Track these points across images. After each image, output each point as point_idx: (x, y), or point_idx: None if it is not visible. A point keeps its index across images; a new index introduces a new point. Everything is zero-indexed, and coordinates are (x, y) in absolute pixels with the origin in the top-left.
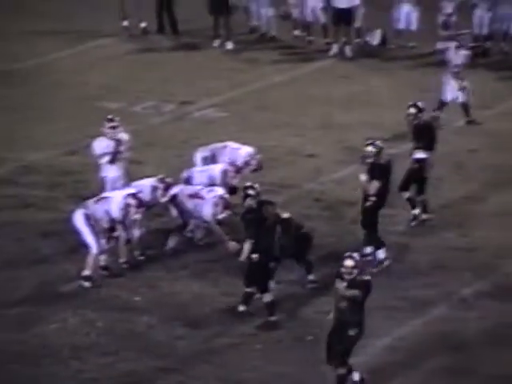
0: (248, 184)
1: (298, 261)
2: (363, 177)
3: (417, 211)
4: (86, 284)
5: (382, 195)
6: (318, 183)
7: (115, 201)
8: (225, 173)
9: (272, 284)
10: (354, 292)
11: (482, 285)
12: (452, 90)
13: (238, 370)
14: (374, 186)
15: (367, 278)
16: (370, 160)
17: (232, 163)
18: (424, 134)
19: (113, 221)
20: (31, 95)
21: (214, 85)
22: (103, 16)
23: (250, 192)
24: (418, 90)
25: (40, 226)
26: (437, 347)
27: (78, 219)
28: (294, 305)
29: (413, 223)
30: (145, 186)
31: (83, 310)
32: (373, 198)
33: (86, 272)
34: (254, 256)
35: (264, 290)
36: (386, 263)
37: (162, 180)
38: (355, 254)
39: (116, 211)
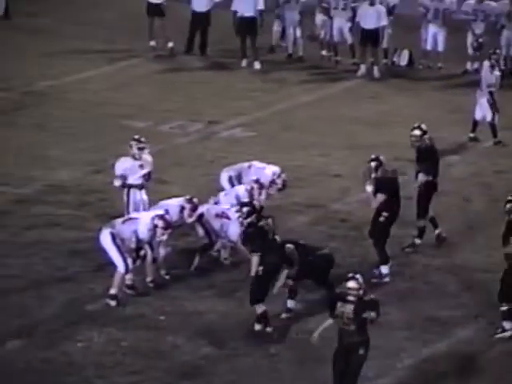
0: (246, 201)
1: (317, 283)
2: (369, 188)
3: (437, 231)
4: (112, 303)
5: (393, 210)
6: (344, 203)
7: (143, 222)
8: (251, 190)
9: (292, 304)
10: (372, 315)
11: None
12: (481, 110)
13: None
14: (379, 199)
15: (373, 297)
16: (374, 175)
17: (255, 181)
18: (426, 158)
19: (140, 241)
20: (60, 114)
21: (241, 105)
22: (131, 37)
23: (247, 210)
24: (446, 110)
25: (67, 244)
26: (462, 369)
27: (105, 238)
28: (316, 325)
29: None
30: (172, 205)
31: (109, 329)
32: (385, 214)
33: (113, 291)
34: (260, 269)
35: (257, 301)
36: (386, 279)
37: (189, 200)
38: (358, 276)
39: (144, 232)
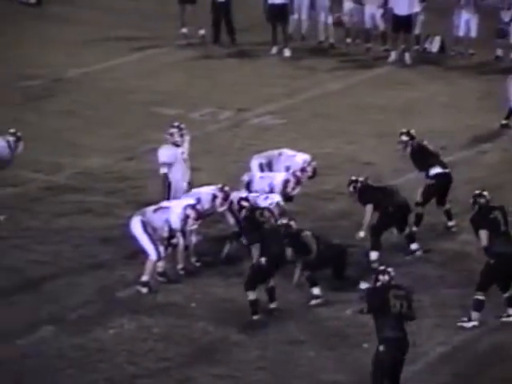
0: (243, 196)
1: (335, 275)
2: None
3: (451, 223)
4: (144, 290)
5: (388, 215)
6: None
7: (175, 211)
8: (286, 183)
9: (317, 290)
10: (412, 314)
11: None
12: None
13: (291, 377)
14: (368, 210)
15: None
16: (354, 196)
17: (294, 174)
18: (418, 159)
19: (172, 230)
20: (90, 101)
21: (271, 92)
22: (161, 24)
23: (244, 204)
24: (478, 97)
25: (98, 231)
26: (494, 357)
27: (136, 226)
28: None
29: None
30: (205, 193)
31: (140, 316)
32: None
33: (144, 278)
34: (262, 259)
35: (251, 288)
36: (375, 265)
37: (221, 189)
38: (390, 269)
39: (176, 222)
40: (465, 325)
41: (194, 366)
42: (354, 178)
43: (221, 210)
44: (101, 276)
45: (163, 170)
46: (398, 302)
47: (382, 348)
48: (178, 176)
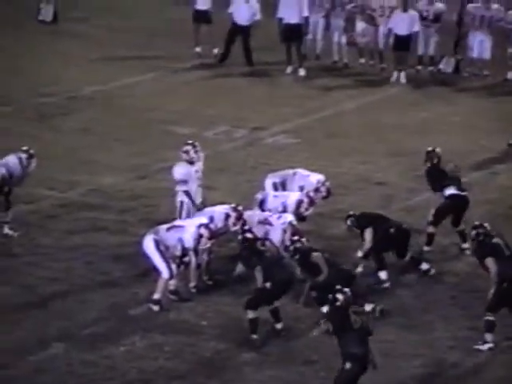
0: (246, 228)
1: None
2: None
3: (465, 245)
4: (155, 308)
5: (388, 236)
6: (388, 211)
7: (188, 230)
8: (299, 203)
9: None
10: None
11: None
12: None
13: None
14: (368, 235)
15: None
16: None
17: (308, 195)
18: (430, 179)
19: (185, 249)
20: (104, 119)
21: (285, 111)
22: (176, 43)
23: (248, 236)
24: (491, 118)
25: (111, 249)
26: (506, 379)
27: (148, 245)
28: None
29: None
30: (218, 212)
31: (151, 334)
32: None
33: (156, 296)
34: (268, 284)
35: (251, 307)
36: (386, 285)
37: (235, 208)
38: (346, 289)
39: (189, 241)
40: (481, 348)
41: None
42: (351, 212)
43: (234, 229)
44: (113, 293)
45: (180, 188)
46: (357, 317)
47: (348, 365)
48: (191, 194)
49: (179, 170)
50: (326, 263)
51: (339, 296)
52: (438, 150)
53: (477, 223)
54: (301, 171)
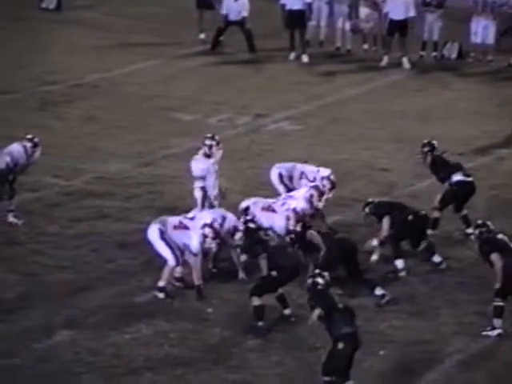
0: (248, 218)
1: (353, 277)
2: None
3: (470, 230)
4: (161, 295)
5: (407, 223)
6: (391, 197)
7: (194, 236)
8: (310, 198)
9: None
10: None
11: None
12: None
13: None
14: (385, 223)
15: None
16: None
17: (316, 187)
18: (437, 170)
19: (194, 254)
20: (108, 106)
21: (288, 98)
22: (179, 30)
23: (251, 225)
24: (495, 104)
25: (116, 236)
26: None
27: (153, 234)
28: (364, 318)
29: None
30: (231, 218)
31: (157, 321)
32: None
33: (161, 283)
34: (274, 272)
35: (257, 294)
36: (403, 274)
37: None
38: (325, 273)
39: (196, 246)
40: (490, 333)
41: (211, 371)
42: (370, 200)
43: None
44: (118, 281)
45: (198, 184)
46: (340, 298)
47: (340, 345)
48: (209, 187)
49: (199, 166)
50: (324, 238)
51: (319, 280)
52: (433, 141)
53: (479, 222)
54: (307, 167)
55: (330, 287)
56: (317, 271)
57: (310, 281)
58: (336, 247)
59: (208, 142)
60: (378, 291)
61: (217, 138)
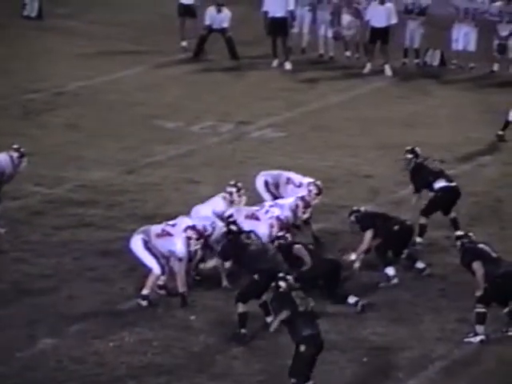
0: (231, 219)
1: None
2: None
3: (458, 232)
4: (144, 303)
5: (392, 233)
6: (375, 204)
7: (178, 241)
8: (295, 209)
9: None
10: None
11: None
12: None
13: None
14: (367, 236)
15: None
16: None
17: (303, 198)
18: (416, 178)
19: (180, 258)
20: (91, 114)
21: (271, 105)
22: (161, 37)
23: (233, 228)
24: (478, 111)
25: (99, 244)
26: (495, 371)
27: (137, 244)
28: (347, 325)
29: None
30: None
31: (140, 329)
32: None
33: (145, 291)
34: (255, 276)
35: (241, 300)
36: (395, 281)
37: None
38: (288, 276)
39: (182, 251)
40: (472, 340)
41: (195, 379)
42: (355, 208)
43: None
44: (101, 289)
45: (219, 232)
46: (302, 301)
47: (302, 348)
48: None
49: (218, 207)
50: (309, 254)
51: (282, 283)
52: (416, 148)
53: (460, 233)
54: (293, 176)
55: (292, 291)
56: (281, 275)
57: (272, 284)
58: (321, 267)
59: (229, 188)
60: (351, 299)
61: (239, 185)
